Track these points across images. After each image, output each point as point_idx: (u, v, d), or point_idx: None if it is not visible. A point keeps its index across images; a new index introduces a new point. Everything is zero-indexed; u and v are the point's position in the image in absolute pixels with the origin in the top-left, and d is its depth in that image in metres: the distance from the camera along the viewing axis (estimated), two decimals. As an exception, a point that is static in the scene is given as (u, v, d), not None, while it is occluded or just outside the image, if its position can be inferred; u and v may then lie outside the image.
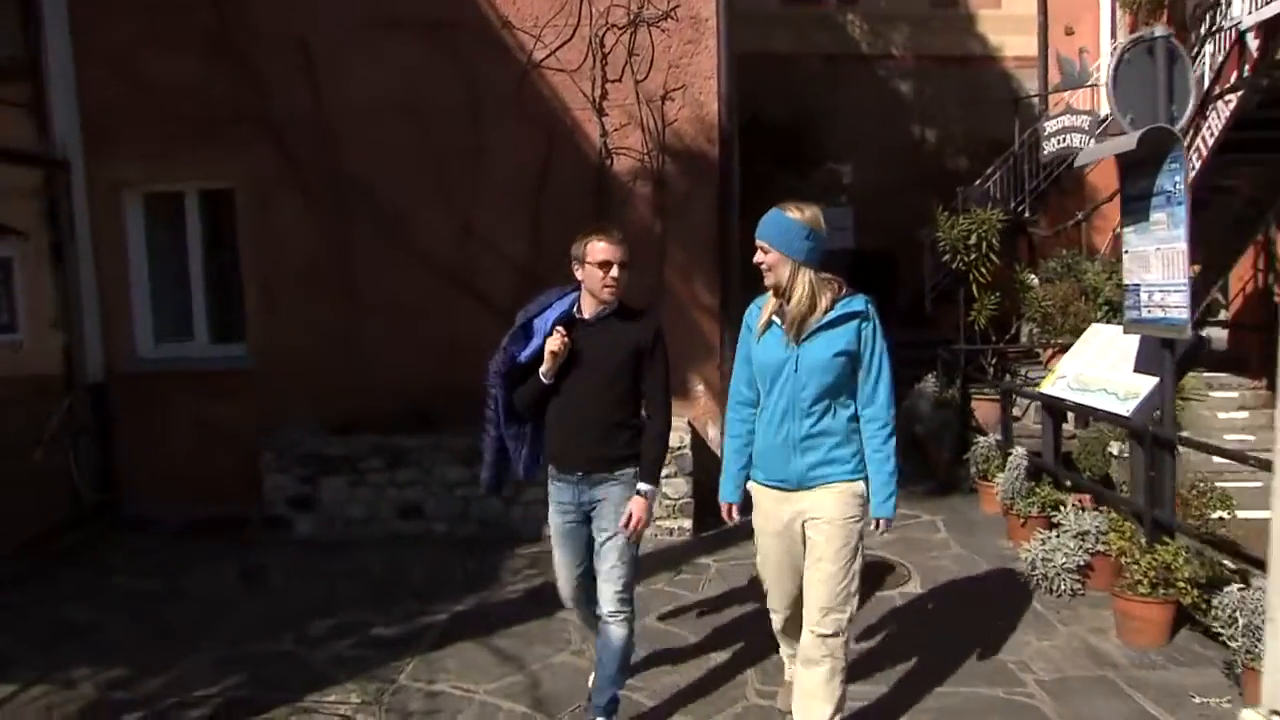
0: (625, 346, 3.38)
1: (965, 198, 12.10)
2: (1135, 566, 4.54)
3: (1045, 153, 10.64)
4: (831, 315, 3.02)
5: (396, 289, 6.75)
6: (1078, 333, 9.58)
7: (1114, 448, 8.50)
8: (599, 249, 3.28)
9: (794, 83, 12.59)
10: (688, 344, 6.92)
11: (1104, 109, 12.07)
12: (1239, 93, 8.52)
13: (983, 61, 13.31)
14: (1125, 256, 4.97)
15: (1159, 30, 4.56)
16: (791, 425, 3.09)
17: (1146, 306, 4.78)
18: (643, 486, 3.39)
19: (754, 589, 5.32)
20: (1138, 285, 4.85)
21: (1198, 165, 9.09)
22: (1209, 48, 8.97)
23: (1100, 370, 5.62)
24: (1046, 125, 10.47)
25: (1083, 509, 5.39)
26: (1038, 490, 5.97)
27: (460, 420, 6.12)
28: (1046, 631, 4.69)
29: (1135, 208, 4.77)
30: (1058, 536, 5.21)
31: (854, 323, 3.04)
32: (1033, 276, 10.04)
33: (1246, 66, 8.47)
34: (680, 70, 6.77)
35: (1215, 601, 3.96)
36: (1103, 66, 11.32)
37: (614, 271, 3.29)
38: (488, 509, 6.29)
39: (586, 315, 3.39)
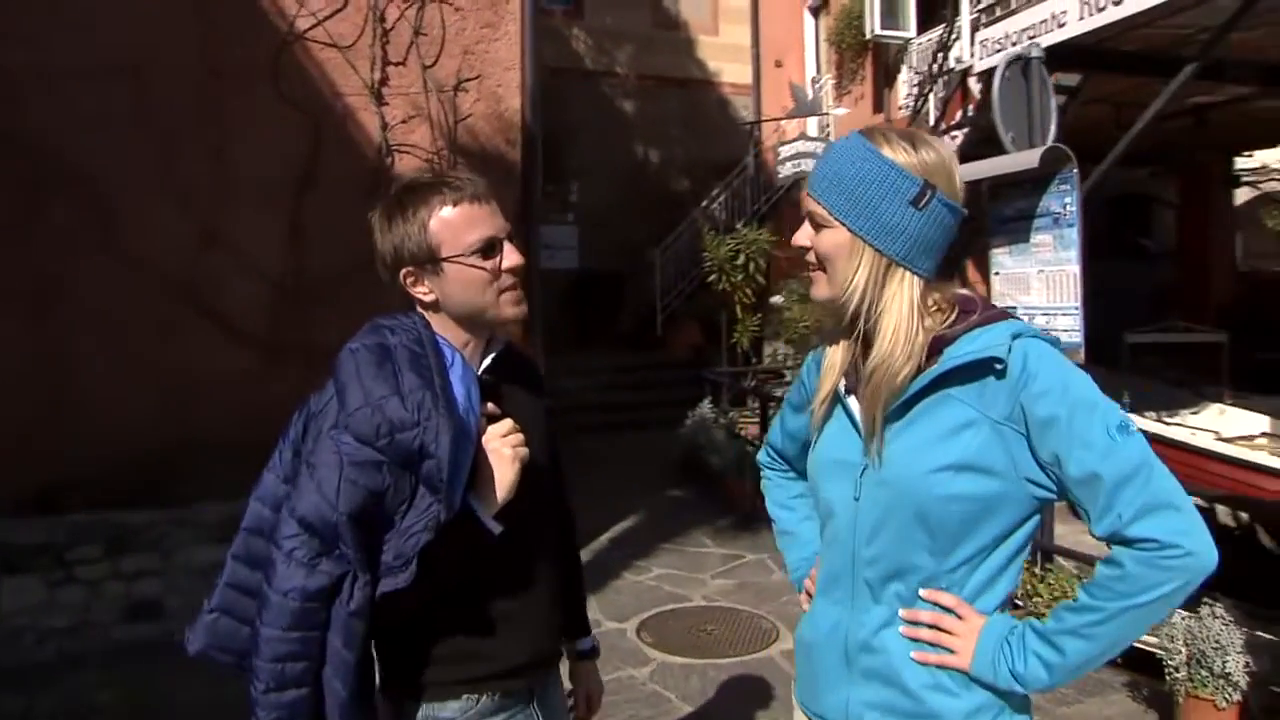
0: (543, 419, 1.84)
1: (694, 220, 12.23)
2: (1038, 599, 4.37)
3: (781, 176, 10.89)
4: (935, 371, 1.39)
5: (111, 309, 5.03)
6: (828, 354, 9.86)
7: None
8: (472, 216, 1.59)
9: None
10: (487, 377, 5.95)
11: (811, 132, 12.74)
12: (964, 129, 9.16)
13: (702, 85, 13.51)
14: (995, 279, 4.84)
15: (1035, 51, 4.47)
16: (845, 612, 1.51)
17: (1025, 330, 4.66)
18: (589, 643, 2.08)
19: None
20: (1013, 308, 4.72)
21: (925, 195, 9.66)
22: (938, 86, 9.59)
23: (945, 395, 5.50)
24: (782, 150, 10.73)
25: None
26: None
27: (208, 481, 4.71)
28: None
29: (1011, 229, 4.65)
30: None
31: (986, 387, 1.38)
32: (779, 298, 10.18)
33: (970, 107, 9.12)
34: (476, 58, 5.80)
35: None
36: (813, 99, 11.85)
37: (513, 257, 1.63)
38: (251, 596, 4.87)
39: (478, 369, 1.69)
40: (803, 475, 1.87)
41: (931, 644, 1.44)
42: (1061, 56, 7.50)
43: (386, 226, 1.62)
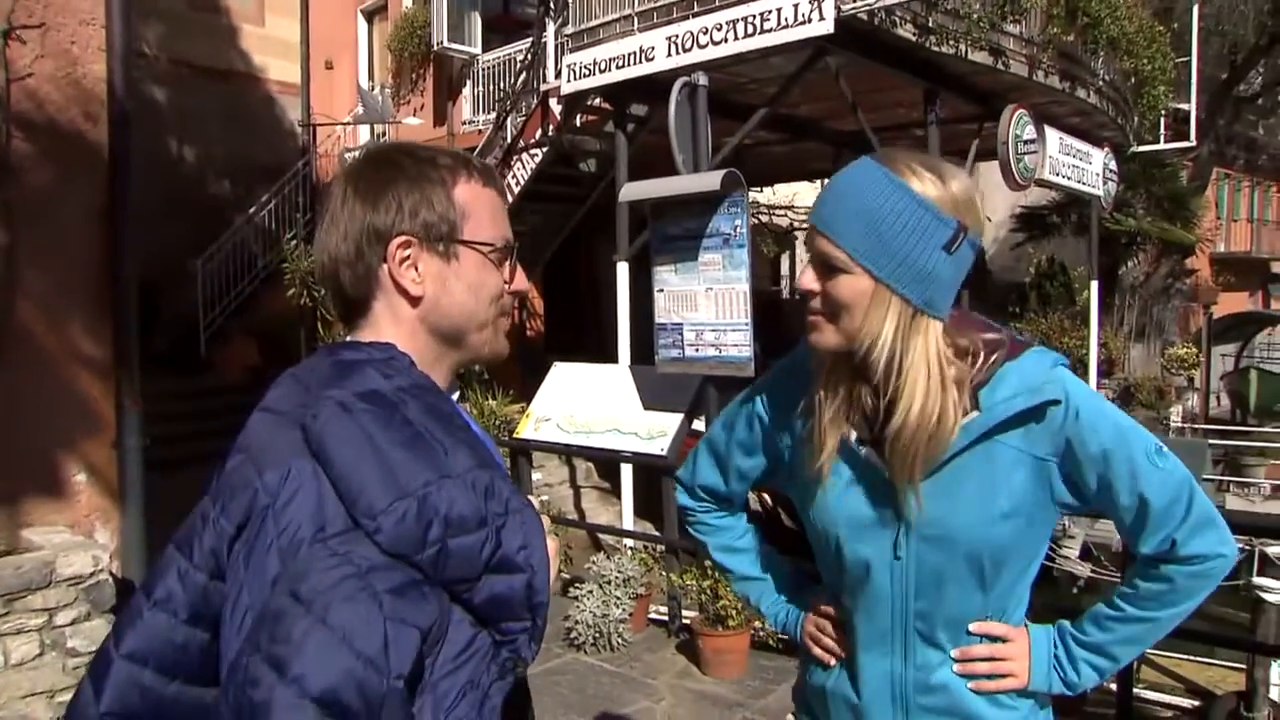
0: None
1: (239, 227, 11.13)
2: (721, 602, 4.57)
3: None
4: (984, 424, 1.30)
5: None
6: (416, 372, 9.43)
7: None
8: (502, 207, 1.20)
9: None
10: (59, 413, 4.73)
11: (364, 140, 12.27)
12: (544, 148, 9.42)
13: (246, 80, 12.09)
14: (660, 295, 4.98)
15: (702, 78, 4.71)
16: (896, 662, 1.42)
17: (693, 345, 4.86)
18: None
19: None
20: (680, 324, 4.91)
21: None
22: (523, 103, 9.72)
23: (600, 411, 5.53)
24: (349, 157, 10.02)
25: (608, 556, 5.25)
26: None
27: None
28: (649, 692, 4.42)
29: (677, 247, 4.82)
30: (601, 589, 4.96)
31: (1031, 426, 1.31)
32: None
33: (551, 126, 9.41)
34: (37, 2, 4.55)
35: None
36: (383, 106, 11.39)
37: (522, 279, 1.23)
38: None
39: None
40: (737, 510, 1.72)
41: (987, 674, 1.41)
42: (643, 89, 8.09)
43: (377, 184, 1.10)
